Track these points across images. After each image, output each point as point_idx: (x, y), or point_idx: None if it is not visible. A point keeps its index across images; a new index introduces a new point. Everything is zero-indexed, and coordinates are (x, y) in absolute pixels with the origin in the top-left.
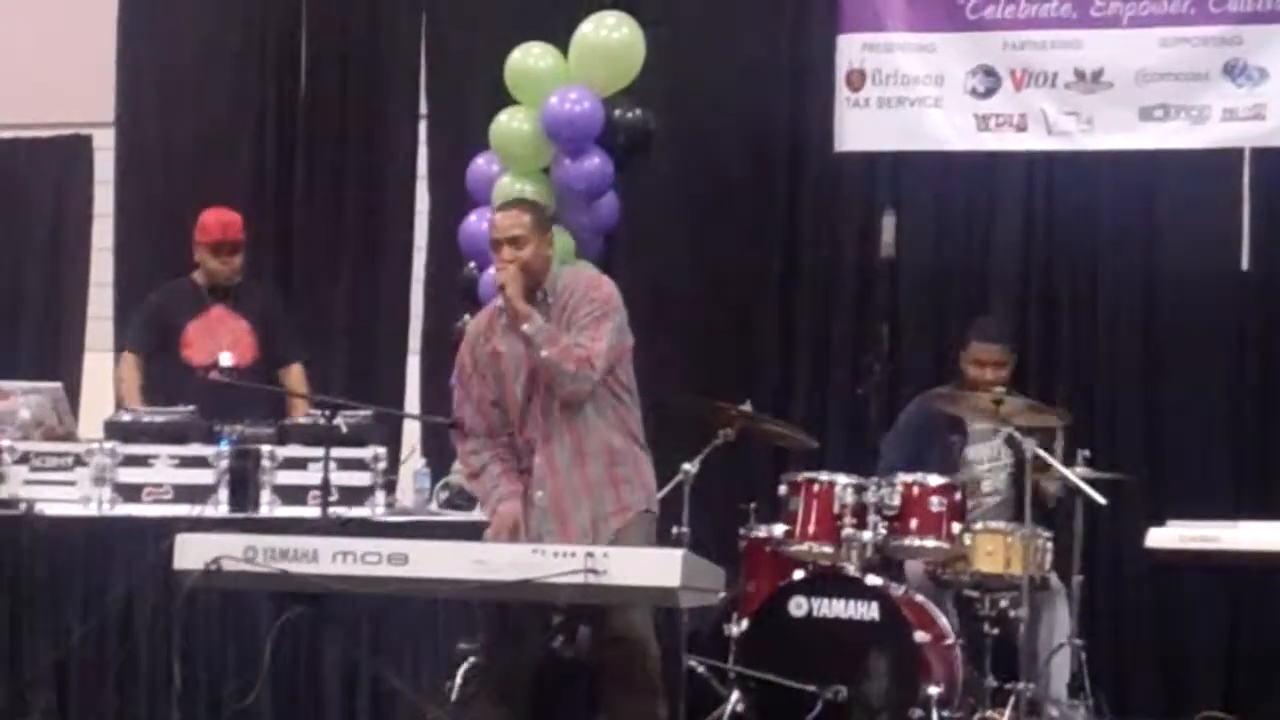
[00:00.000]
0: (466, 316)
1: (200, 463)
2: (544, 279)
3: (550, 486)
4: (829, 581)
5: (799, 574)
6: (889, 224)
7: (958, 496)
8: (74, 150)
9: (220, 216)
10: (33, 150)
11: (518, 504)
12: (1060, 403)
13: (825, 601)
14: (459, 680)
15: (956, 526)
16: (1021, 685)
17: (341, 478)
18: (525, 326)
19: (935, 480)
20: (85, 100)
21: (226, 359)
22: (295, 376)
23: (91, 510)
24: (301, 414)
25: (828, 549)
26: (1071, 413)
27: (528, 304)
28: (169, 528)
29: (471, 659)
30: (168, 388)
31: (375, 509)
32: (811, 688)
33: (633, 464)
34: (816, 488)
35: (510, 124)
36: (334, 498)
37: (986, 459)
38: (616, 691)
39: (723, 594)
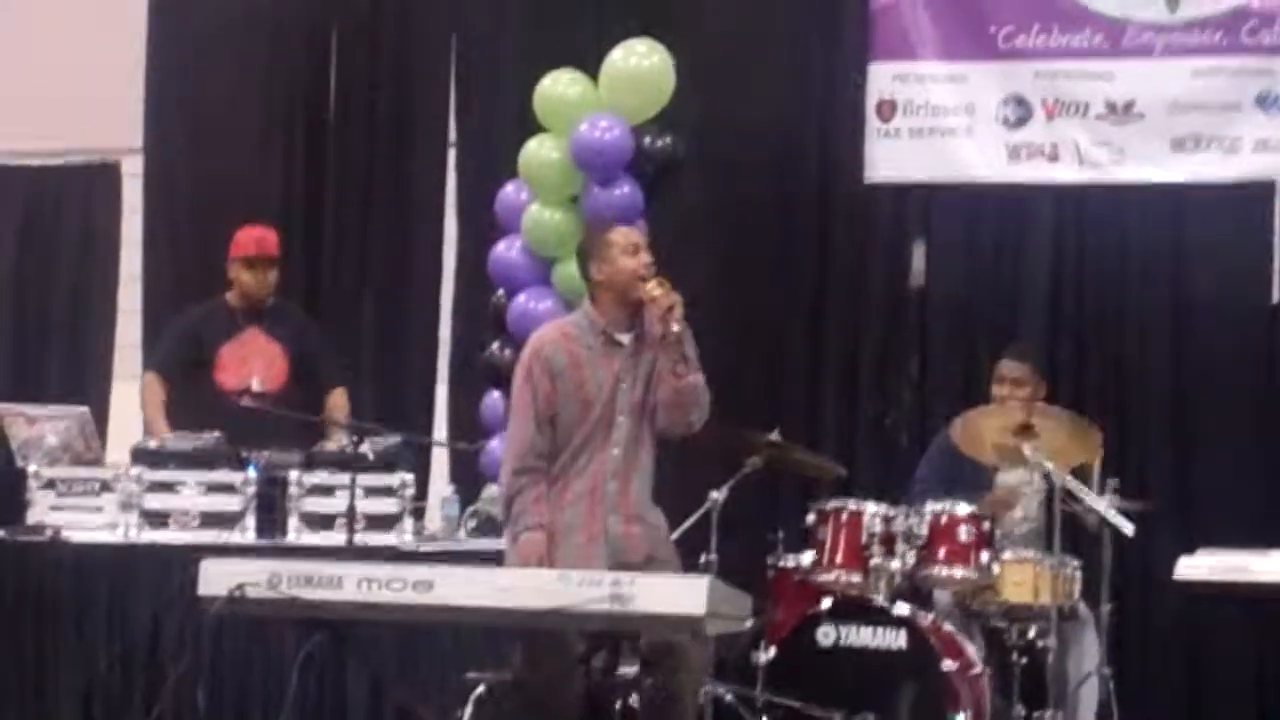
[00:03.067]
0: (495, 344)
1: (227, 489)
2: None
3: (622, 512)
4: (857, 610)
5: (826, 602)
6: (918, 254)
7: (986, 526)
8: (102, 177)
9: (255, 231)
10: (61, 177)
11: (541, 537)
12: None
13: (853, 630)
14: (470, 709)
15: (985, 555)
16: (1049, 714)
17: (369, 504)
18: (689, 348)
19: (963, 509)
20: (113, 127)
21: (257, 384)
22: (339, 399)
23: (118, 536)
24: (337, 438)
25: (855, 578)
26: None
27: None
28: (195, 554)
29: (482, 688)
30: (197, 411)
31: (403, 536)
32: (838, 716)
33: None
34: (844, 516)
35: (539, 152)
36: (361, 525)
37: (1018, 486)
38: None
39: (750, 622)
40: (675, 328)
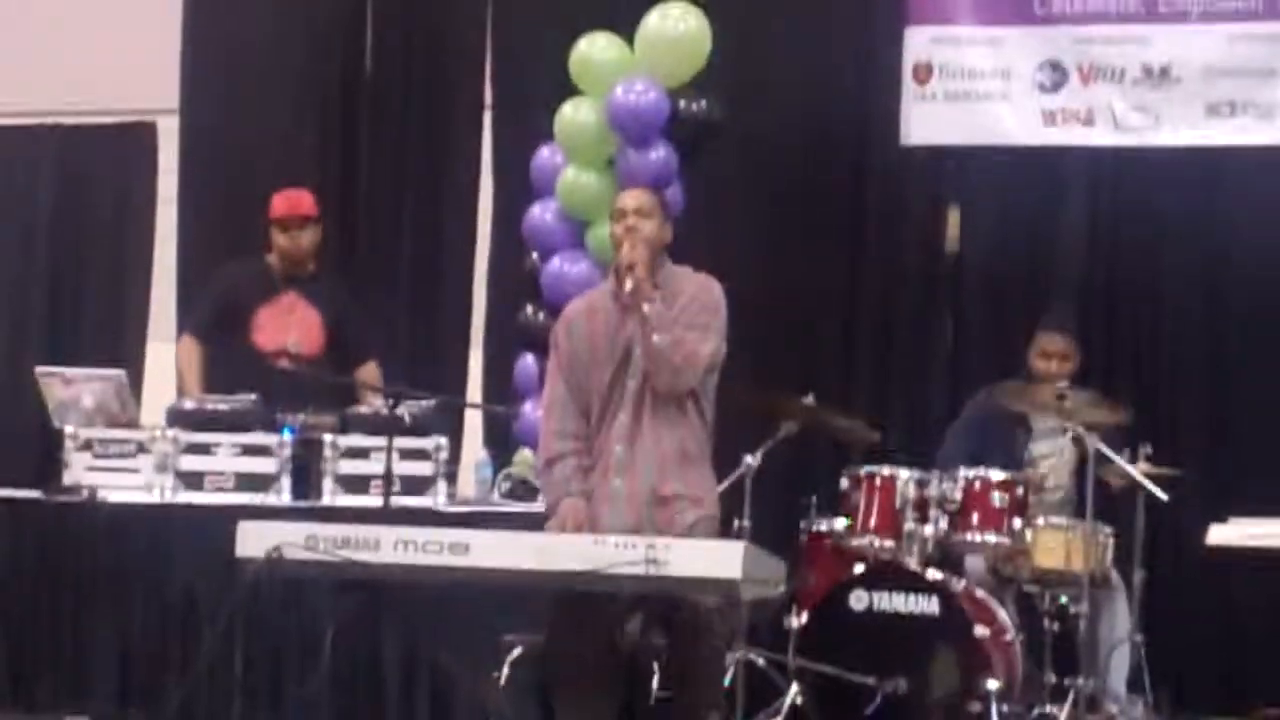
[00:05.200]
0: (529, 308)
1: (263, 451)
2: (657, 265)
3: (628, 476)
4: (889, 575)
5: (859, 568)
6: (954, 218)
7: (1019, 492)
8: (138, 137)
9: (289, 193)
10: (97, 137)
11: (582, 504)
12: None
13: (885, 595)
14: (506, 671)
15: (1018, 522)
16: (1081, 681)
17: (403, 467)
18: (646, 306)
19: (997, 475)
20: (149, 87)
21: (294, 345)
22: (370, 372)
23: (154, 498)
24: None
25: (888, 543)
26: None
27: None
28: (231, 516)
29: (518, 650)
30: (233, 371)
31: (437, 499)
32: (871, 681)
33: (703, 470)
34: (878, 481)
35: (575, 115)
36: (396, 487)
37: (1051, 454)
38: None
39: (783, 587)
40: (627, 286)
